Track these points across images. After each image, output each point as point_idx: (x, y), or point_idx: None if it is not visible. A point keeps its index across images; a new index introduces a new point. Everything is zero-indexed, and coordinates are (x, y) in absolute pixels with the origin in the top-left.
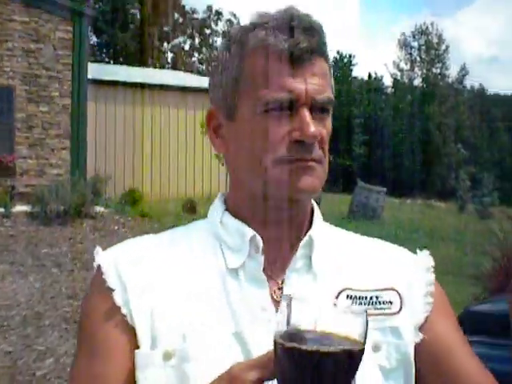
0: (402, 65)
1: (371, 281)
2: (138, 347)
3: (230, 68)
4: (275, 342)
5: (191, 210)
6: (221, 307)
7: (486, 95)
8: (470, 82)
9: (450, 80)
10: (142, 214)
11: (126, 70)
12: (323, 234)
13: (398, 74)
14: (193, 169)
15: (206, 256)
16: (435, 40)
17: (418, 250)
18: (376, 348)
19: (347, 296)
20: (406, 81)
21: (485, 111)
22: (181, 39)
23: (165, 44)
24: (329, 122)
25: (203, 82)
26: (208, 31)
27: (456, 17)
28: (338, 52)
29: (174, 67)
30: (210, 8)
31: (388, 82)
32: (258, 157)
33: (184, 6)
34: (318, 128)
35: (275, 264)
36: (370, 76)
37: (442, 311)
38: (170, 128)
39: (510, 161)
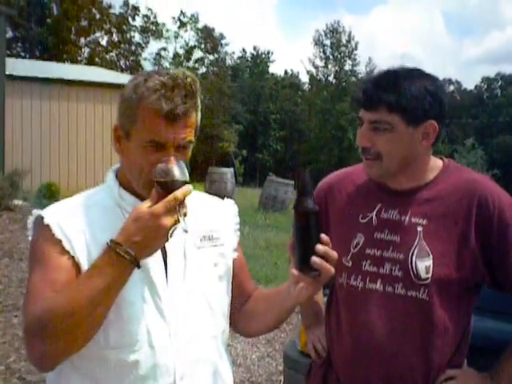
0: (317, 61)
1: (209, 226)
2: (79, 271)
3: (130, 110)
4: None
5: None
6: None
7: None
8: None
9: (360, 76)
10: None
11: (42, 65)
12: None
13: (314, 70)
14: (109, 162)
15: (113, 214)
16: (345, 38)
17: (229, 201)
18: (215, 265)
19: (203, 237)
20: (322, 77)
21: None
22: (98, 34)
23: (81, 39)
24: (188, 151)
25: (119, 77)
26: (125, 27)
27: (371, 15)
28: (254, 48)
29: (91, 63)
30: (126, 3)
31: (304, 78)
32: (135, 172)
33: (102, 1)
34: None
35: None
36: (286, 72)
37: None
38: (86, 123)
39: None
